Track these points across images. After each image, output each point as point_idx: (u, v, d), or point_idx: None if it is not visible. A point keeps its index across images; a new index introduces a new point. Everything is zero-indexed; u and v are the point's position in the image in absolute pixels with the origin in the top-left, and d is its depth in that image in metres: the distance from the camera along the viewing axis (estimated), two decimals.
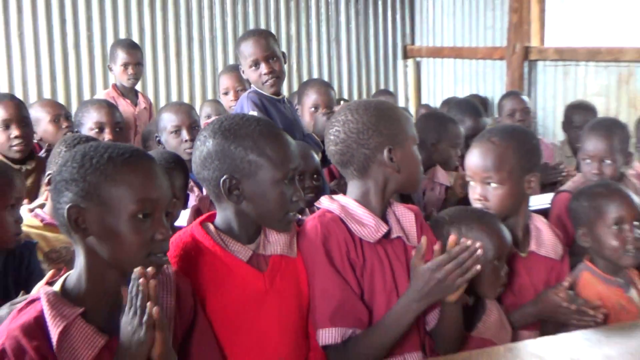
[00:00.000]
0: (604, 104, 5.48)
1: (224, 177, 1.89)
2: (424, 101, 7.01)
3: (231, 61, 6.23)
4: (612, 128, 3.35)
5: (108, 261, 1.60)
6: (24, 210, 2.34)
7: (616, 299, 2.43)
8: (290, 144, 2.00)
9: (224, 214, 1.98)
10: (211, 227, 1.97)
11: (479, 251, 1.96)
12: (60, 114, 3.73)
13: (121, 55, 4.73)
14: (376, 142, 2.13)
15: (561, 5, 6.44)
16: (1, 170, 2.20)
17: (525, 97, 4.88)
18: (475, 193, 2.50)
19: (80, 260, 1.63)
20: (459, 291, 2.02)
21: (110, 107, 3.65)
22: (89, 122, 3.48)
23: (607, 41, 5.92)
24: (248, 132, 1.93)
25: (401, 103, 6.90)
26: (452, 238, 2.01)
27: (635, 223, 2.47)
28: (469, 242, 1.97)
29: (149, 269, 1.55)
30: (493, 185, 2.41)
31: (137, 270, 1.52)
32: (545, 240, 2.53)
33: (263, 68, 3.37)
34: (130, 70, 4.68)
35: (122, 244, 1.58)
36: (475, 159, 2.54)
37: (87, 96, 6.00)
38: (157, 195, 1.62)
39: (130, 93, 4.81)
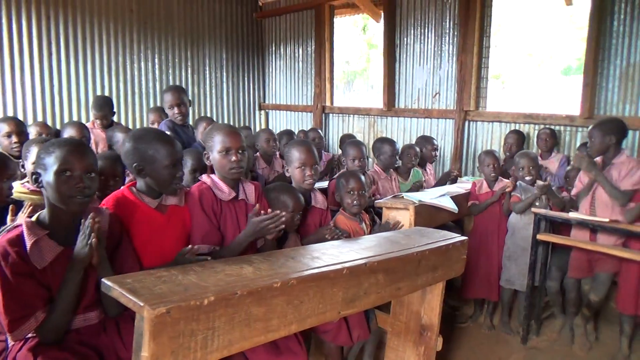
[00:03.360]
0: (362, 138, 5.81)
1: (134, 164, 1.94)
2: None
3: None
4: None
5: (54, 203, 1.62)
6: (17, 184, 2.26)
7: (354, 227, 2.60)
8: (174, 144, 1.98)
9: (140, 183, 1.99)
10: (134, 189, 1.98)
11: (283, 218, 2.00)
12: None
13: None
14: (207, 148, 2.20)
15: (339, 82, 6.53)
16: (3, 157, 2.09)
17: (319, 131, 4.96)
18: None
19: (46, 204, 1.65)
20: (273, 235, 2.09)
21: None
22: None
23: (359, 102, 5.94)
24: (149, 138, 1.95)
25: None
26: (257, 208, 2.03)
27: (361, 192, 2.61)
28: (280, 213, 2.00)
29: (97, 213, 1.61)
30: None
31: (92, 214, 1.58)
32: (319, 199, 2.61)
33: (175, 110, 3.34)
34: None
35: (54, 192, 1.58)
36: None
37: None
38: (74, 162, 1.60)
39: None
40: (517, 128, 4.44)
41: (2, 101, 5.05)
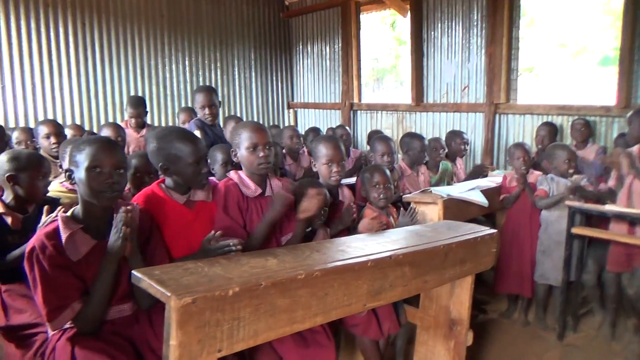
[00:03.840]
0: (391, 134, 5.75)
1: (160, 163, 1.98)
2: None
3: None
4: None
5: (86, 198, 1.67)
6: (55, 183, 2.35)
7: (381, 219, 2.44)
8: (197, 142, 2.01)
9: (168, 180, 2.03)
10: (163, 185, 2.02)
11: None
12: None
13: None
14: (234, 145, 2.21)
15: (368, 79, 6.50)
16: (37, 157, 2.19)
17: (347, 128, 4.95)
18: None
19: (79, 200, 1.71)
20: (305, 213, 2.10)
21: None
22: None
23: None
24: (171, 137, 1.98)
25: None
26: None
27: (386, 185, 2.59)
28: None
29: (128, 207, 1.64)
30: None
31: (122, 207, 1.62)
32: (346, 195, 2.60)
33: (206, 110, 3.36)
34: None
35: (86, 187, 1.64)
36: None
37: None
38: (104, 158, 1.65)
39: None
40: (549, 120, 4.32)
41: (42, 104, 5.29)
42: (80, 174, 1.65)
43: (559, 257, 3.03)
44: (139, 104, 4.24)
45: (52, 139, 3.23)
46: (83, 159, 1.64)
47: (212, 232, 1.84)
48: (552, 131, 3.97)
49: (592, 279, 3.10)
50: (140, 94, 5.88)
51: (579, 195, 3.01)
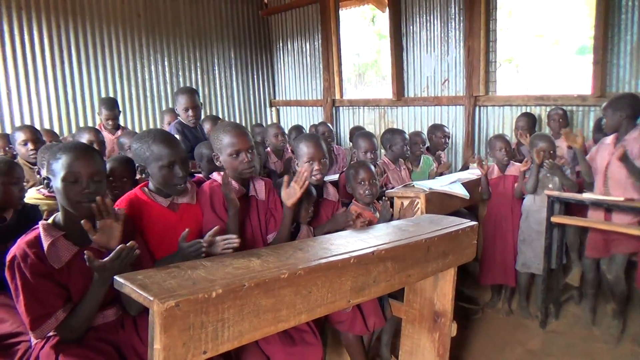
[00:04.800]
0: (373, 130, 5.82)
1: (137, 165, 1.99)
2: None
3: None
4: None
5: (64, 207, 1.66)
6: (33, 190, 2.32)
7: (369, 216, 2.56)
8: (173, 145, 1.96)
9: (151, 182, 2.01)
10: (146, 189, 2.01)
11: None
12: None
13: None
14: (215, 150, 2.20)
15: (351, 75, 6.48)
16: (8, 164, 2.16)
17: (329, 125, 4.93)
18: None
19: (59, 207, 1.69)
20: (291, 199, 2.12)
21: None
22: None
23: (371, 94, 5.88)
24: (146, 139, 1.96)
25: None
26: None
27: (372, 181, 2.61)
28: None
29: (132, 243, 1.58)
30: None
31: (130, 242, 1.57)
32: (330, 192, 2.64)
33: (190, 112, 3.31)
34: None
35: (63, 197, 1.63)
36: None
37: None
38: (80, 168, 1.62)
39: None
40: (528, 111, 4.38)
41: (18, 109, 5.18)
42: (57, 183, 1.63)
43: (540, 246, 3.10)
44: (113, 106, 4.20)
45: (30, 145, 3.20)
46: (59, 168, 1.62)
47: (186, 230, 1.82)
48: (530, 122, 4.03)
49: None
50: (118, 96, 5.80)
51: (559, 178, 3.07)
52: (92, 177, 1.65)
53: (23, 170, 2.24)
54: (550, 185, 3.11)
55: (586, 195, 2.90)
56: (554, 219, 2.97)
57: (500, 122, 4.74)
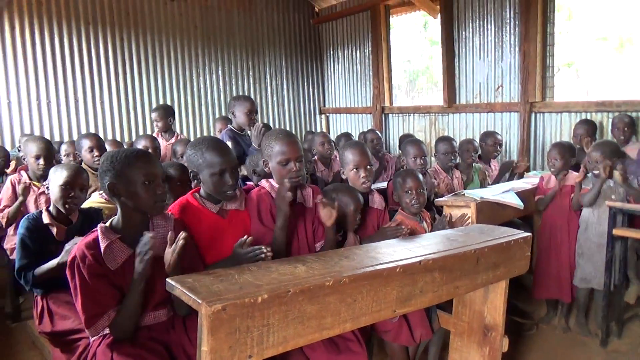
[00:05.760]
0: (424, 137, 5.75)
1: (190, 171, 2.04)
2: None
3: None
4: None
5: (134, 209, 1.72)
6: (96, 194, 2.46)
7: (414, 226, 2.53)
8: (225, 153, 2.00)
9: (202, 189, 2.06)
10: (197, 195, 2.06)
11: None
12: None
13: None
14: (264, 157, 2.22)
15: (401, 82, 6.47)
16: (79, 169, 2.31)
17: (377, 132, 4.91)
18: None
19: (118, 211, 1.76)
20: (330, 220, 2.09)
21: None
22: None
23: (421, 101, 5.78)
24: (200, 146, 2.01)
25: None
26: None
27: (419, 190, 2.56)
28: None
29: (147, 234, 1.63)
30: None
31: (147, 233, 1.64)
32: (376, 200, 2.59)
33: (253, 116, 3.47)
34: None
35: (140, 198, 1.70)
36: None
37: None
38: (154, 170, 1.73)
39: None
40: (588, 117, 4.17)
41: (84, 118, 5.53)
42: (134, 187, 1.69)
43: (600, 260, 2.92)
44: (168, 113, 4.35)
45: (95, 152, 3.37)
46: (136, 173, 1.69)
47: (245, 237, 1.86)
48: (589, 129, 3.84)
49: None
50: (175, 104, 6.06)
51: (626, 189, 2.88)
52: (162, 180, 1.76)
53: (88, 178, 2.39)
54: (613, 197, 2.93)
55: None
56: (616, 232, 2.80)
57: (558, 129, 4.53)
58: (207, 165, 1.97)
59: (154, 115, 4.39)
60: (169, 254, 1.64)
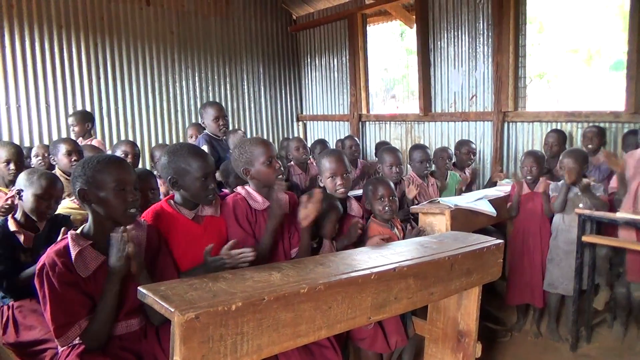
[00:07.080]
0: (400, 145, 5.82)
1: (169, 177, 2.02)
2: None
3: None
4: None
5: (105, 216, 1.69)
6: (67, 200, 2.41)
7: (386, 232, 2.52)
8: (206, 158, 2.04)
9: (177, 195, 2.06)
10: (172, 201, 2.06)
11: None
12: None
13: None
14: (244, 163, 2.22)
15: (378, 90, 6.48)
16: (55, 179, 2.26)
17: (356, 139, 4.93)
18: None
19: (89, 217, 1.72)
20: (306, 220, 2.09)
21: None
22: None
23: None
24: (183, 152, 2.02)
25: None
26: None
27: (391, 197, 2.55)
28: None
29: (128, 227, 1.67)
30: None
31: (120, 228, 1.63)
32: (354, 208, 2.62)
33: (220, 122, 3.52)
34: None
35: (111, 205, 1.67)
36: None
37: None
38: (125, 177, 1.69)
39: None
40: (559, 127, 4.29)
41: (56, 124, 5.40)
42: (105, 193, 1.66)
43: (569, 266, 3.00)
44: (85, 118, 4.24)
45: (73, 157, 3.23)
46: (108, 179, 1.66)
47: (211, 245, 1.88)
48: (560, 138, 3.95)
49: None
50: (151, 110, 6.00)
51: (588, 198, 2.97)
52: (134, 186, 1.72)
53: (63, 186, 2.33)
54: (580, 205, 3.02)
55: (619, 215, 2.80)
56: (585, 239, 2.88)
57: (530, 138, 4.65)
58: (191, 170, 1.98)
59: (70, 120, 4.28)
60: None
